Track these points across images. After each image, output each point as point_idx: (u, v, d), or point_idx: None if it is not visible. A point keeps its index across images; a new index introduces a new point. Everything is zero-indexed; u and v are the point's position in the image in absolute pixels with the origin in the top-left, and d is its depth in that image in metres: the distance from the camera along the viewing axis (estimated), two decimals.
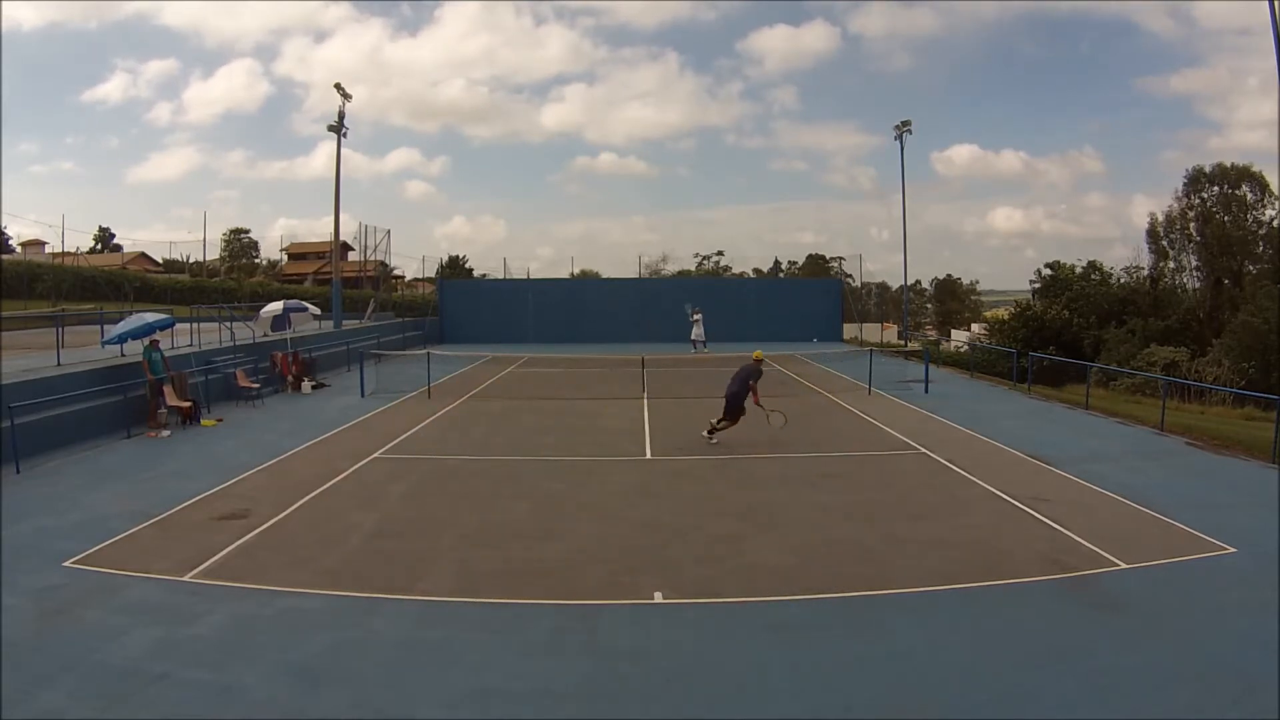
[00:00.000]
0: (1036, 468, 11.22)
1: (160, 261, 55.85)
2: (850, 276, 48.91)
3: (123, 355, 15.61)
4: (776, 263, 66.77)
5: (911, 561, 7.55)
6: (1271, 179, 39.24)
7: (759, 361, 13.54)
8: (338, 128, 30.57)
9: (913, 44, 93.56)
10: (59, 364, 14.56)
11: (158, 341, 15.43)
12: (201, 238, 69.08)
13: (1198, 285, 41.01)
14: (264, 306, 22.17)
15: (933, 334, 51.36)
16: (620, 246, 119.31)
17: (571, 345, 31.35)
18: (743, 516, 9.04)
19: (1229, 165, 40.89)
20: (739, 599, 6.73)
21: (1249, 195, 40.46)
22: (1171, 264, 42.20)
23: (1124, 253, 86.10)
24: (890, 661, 5.60)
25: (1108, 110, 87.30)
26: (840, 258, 60.60)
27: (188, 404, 15.00)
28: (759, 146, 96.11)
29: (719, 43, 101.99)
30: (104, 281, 40.99)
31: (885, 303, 53.63)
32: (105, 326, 16.95)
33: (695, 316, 29.35)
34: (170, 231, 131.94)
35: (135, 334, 15.40)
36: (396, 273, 47.38)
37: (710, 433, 13.12)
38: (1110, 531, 8.30)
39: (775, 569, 7.41)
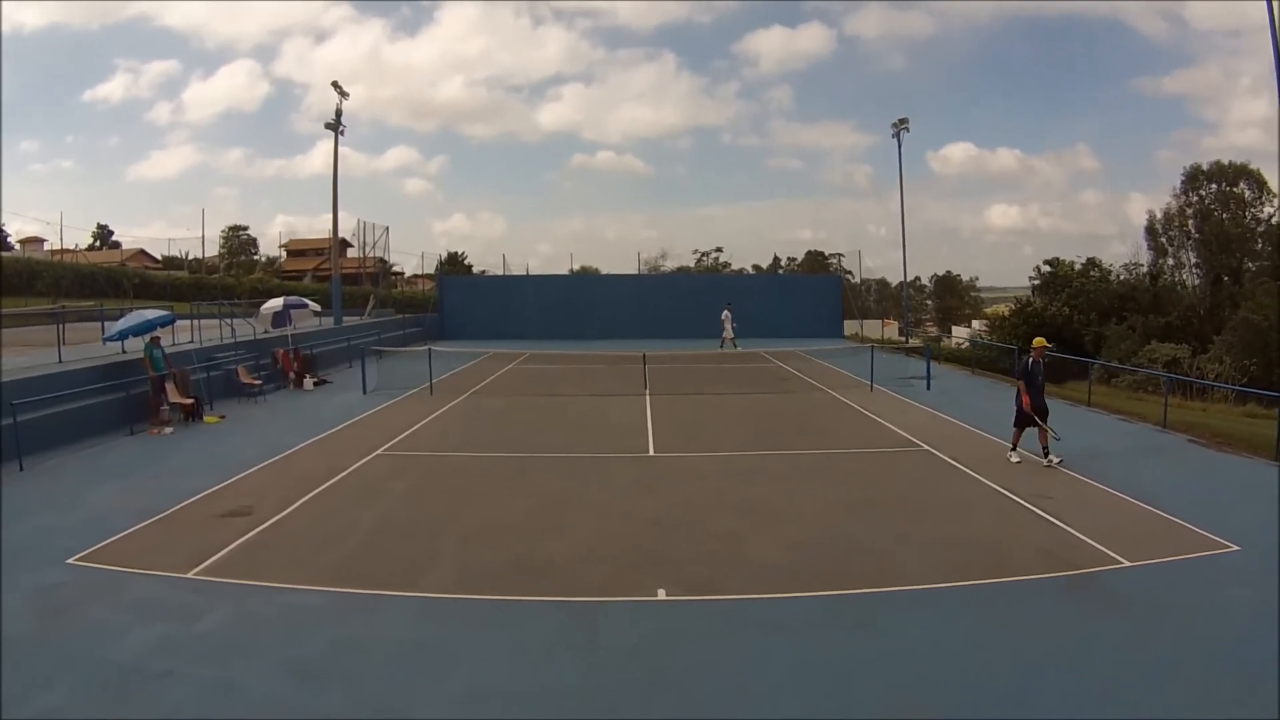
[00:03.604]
0: (1038, 465, 11.21)
1: (159, 258, 55.81)
2: (850, 273, 48.95)
3: (124, 352, 15.60)
4: (776, 259, 66.86)
5: (914, 558, 7.55)
6: (1269, 176, 39.33)
7: (1036, 351, 11.55)
8: (335, 125, 30.50)
9: (907, 45, 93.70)
10: (60, 361, 14.55)
11: (159, 338, 15.41)
12: (200, 235, 69.14)
13: (1197, 282, 41.04)
14: (264, 303, 22.17)
15: (933, 330, 51.38)
16: (619, 243, 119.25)
17: (572, 341, 31.30)
18: (745, 513, 9.03)
19: (1227, 163, 41.01)
20: (741, 596, 6.73)
21: (1247, 193, 40.52)
22: (1171, 261, 42.27)
23: (1121, 249, 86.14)
24: (892, 659, 5.61)
25: (1102, 110, 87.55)
26: (839, 254, 60.67)
27: (189, 401, 15.00)
28: (755, 145, 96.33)
29: (715, 44, 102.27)
30: (103, 278, 40.92)
31: (885, 299, 53.64)
32: (105, 323, 16.93)
33: (725, 316, 29.62)
34: (170, 229, 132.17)
35: (136, 331, 15.40)
36: (396, 269, 47.42)
37: (1014, 448, 11.51)
38: (1113, 529, 8.30)
39: (777, 566, 7.41)
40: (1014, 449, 11.50)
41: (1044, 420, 11.22)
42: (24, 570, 7.21)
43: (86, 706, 4.98)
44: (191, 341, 18.77)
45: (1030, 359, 11.49)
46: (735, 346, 28.60)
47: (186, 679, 5.29)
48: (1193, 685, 5.20)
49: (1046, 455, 11.18)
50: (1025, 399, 11.28)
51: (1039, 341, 11.70)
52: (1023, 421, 11.35)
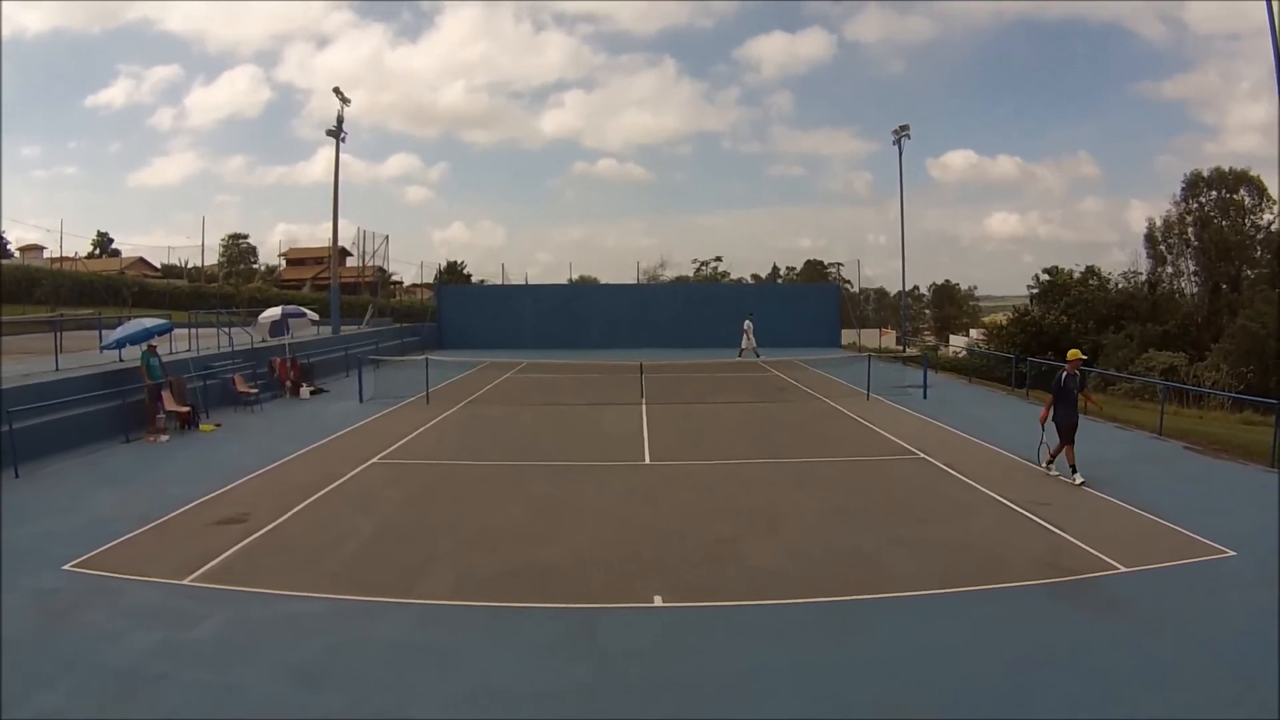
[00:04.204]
0: (1035, 472, 11.22)
1: (158, 266, 55.87)
2: (848, 282, 49.06)
3: (121, 360, 15.60)
4: (775, 268, 66.99)
5: (911, 565, 7.55)
6: (1269, 184, 39.51)
7: (1070, 364, 11.01)
8: (336, 132, 30.64)
9: (908, 50, 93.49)
10: (58, 369, 14.54)
11: (156, 347, 15.42)
12: (200, 243, 69.27)
13: (1196, 290, 41.16)
14: (262, 312, 22.19)
15: (931, 339, 51.47)
16: (619, 252, 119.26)
17: (570, 351, 31.38)
18: (741, 520, 9.03)
19: (1227, 170, 41.18)
20: (738, 602, 6.72)
21: (1247, 200, 40.68)
22: (1169, 269, 42.41)
23: (1121, 257, 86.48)
24: (889, 664, 5.61)
25: (1102, 116, 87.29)
26: (838, 263, 60.77)
27: (186, 409, 15.00)
28: (756, 152, 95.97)
29: (716, 49, 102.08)
30: (102, 286, 40.96)
31: (883, 308, 53.78)
32: (103, 331, 16.95)
33: (746, 326, 29.77)
34: (170, 236, 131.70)
35: (133, 339, 15.39)
36: (395, 278, 47.48)
37: (1074, 469, 10.63)
38: (1109, 535, 8.31)
39: (774, 572, 7.41)
40: (1074, 470, 10.61)
41: (1070, 436, 10.76)
42: (21, 576, 7.19)
43: (84, 709, 4.97)
44: (189, 350, 18.82)
45: (1064, 373, 11.02)
46: (740, 355, 28.71)
47: (184, 683, 5.28)
48: (1190, 689, 5.20)
49: (1049, 463, 11.04)
50: (1044, 413, 11.02)
51: (1073, 354, 11.18)
52: (1064, 436, 10.80)
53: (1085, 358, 11.35)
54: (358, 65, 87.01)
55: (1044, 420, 11.06)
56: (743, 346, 29.33)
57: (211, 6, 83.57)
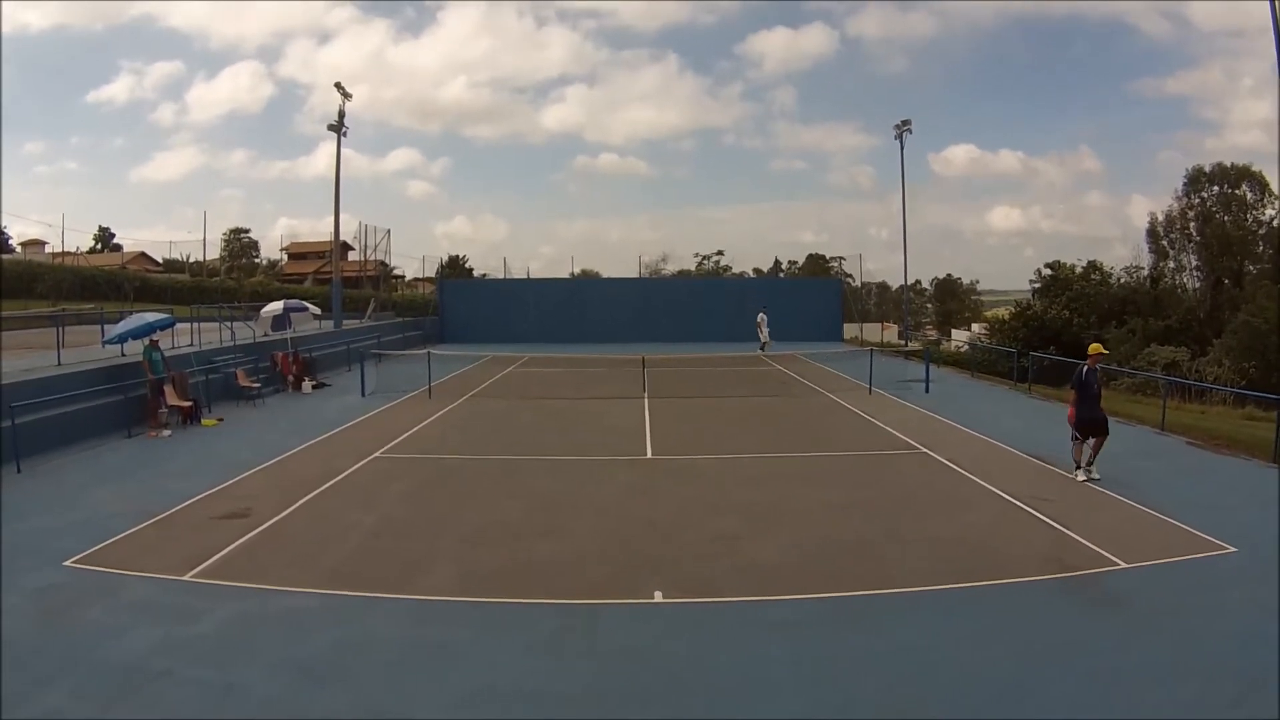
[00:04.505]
0: (1037, 467, 11.22)
1: (160, 261, 55.87)
2: (850, 276, 48.97)
3: (123, 355, 15.61)
4: (777, 262, 66.81)
5: (912, 560, 7.55)
6: (1271, 179, 39.43)
7: (1092, 359, 10.66)
8: (338, 127, 30.60)
9: (910, 46, 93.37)
10: (59, 364, 14.57)
11: (158, 341, 15.43)
12: (202, 237, 69.28)
13: (1198, 285, 41.09)
14: (264, 306, 22.20)
15: (933, 334, 51.39)
16: (621, 246, 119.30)
17: (572, 345, 31.32)
18: (743, 515, 9.03)
19: (1229, 165, 41.11)
20: (739, 598, 6.72)
21: (1249, 195, 40.62)
22: (1171, 264, 42.35)
23: (1123, 252, 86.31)
24: (891, 660, 5.60)
25: (1104, 111, 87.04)
26: (840, 257, 60.61)
27: (188, 404, 15.00)
28: (759, 147, 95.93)
29: (718, 45, 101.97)
30: (103, 281, 40.99)
31: (885, 302, 53.73)
32: (105, 326, 16.96)
33: (761, 319, 29.73)
34: (172, 231, 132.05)
35: (135, 334, 15.40)
36: (397, 272, 47.48)
37: (1078, 465, 10.56)
38: (1110, 531, 8.30)
39: (775, 568, 7.40)
40: (1078, 467, 10.51)
41: (1102, 434, 10.41)
42: (22, 572, 7.20)
43: (86, 707, 4.97)
44: (191, 344, 18.80)
45: (1084, 367, 10.64)
46: (762, 350, 28.67)
47: (185, 680, 5.29)
48: (1190, 685, 5.19)
49: (1088, 464, 10.46)
50: (1071, 411, 10.67)
51: (1094, 348, 10.82)
52: (1084, 433, 10.48)
53: (1106, 352, 11.00)
54: (360, 61, 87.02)
55: (1073, 418, 10.65)
56: (764, 340, 29.27)
57: (213, 3, 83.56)
